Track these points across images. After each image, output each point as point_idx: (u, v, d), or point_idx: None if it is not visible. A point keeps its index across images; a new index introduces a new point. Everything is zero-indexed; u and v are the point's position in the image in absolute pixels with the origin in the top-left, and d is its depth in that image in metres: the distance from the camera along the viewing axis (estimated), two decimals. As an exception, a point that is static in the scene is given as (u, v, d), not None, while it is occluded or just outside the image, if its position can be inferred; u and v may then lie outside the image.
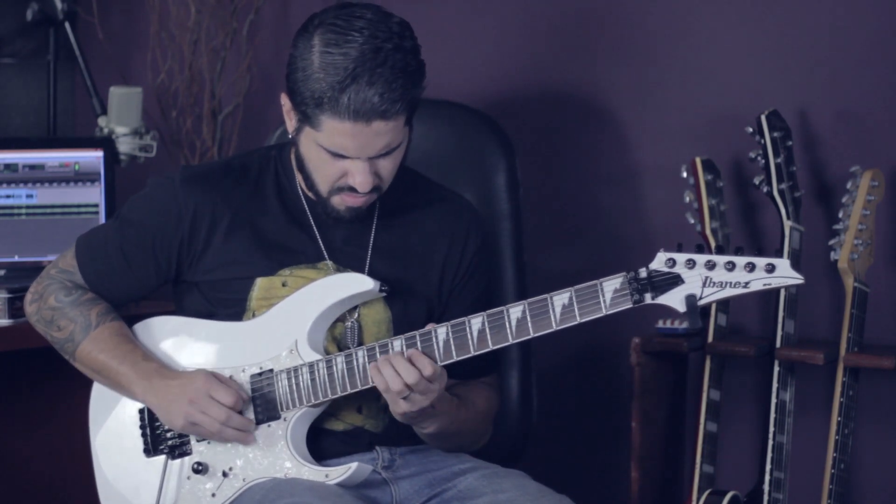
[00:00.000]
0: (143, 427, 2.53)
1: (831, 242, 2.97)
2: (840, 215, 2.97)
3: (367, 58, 2.33)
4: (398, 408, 2.38)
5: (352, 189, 2.42)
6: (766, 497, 2.99)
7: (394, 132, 2.38)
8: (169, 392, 2.46)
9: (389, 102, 2.33)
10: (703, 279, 2.27)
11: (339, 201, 2.45)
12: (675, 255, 2.29)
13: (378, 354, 2.39)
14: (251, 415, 2.46)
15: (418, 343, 2.38)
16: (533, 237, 3.10)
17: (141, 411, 2.53)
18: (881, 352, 2.97)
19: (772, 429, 3.00)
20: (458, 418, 2.48)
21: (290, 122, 2.45)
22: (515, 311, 2.35)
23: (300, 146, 2.45)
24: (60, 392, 3.36)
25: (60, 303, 2.56)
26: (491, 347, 2.36)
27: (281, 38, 3.67)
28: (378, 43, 2.34)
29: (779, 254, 2.26)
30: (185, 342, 2.53)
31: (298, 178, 2.53)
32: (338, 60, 2.33)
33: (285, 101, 2.44)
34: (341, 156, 2.39)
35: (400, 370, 2.34)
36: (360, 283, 2.45)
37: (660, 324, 3.12)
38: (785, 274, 2.25)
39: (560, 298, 2.32)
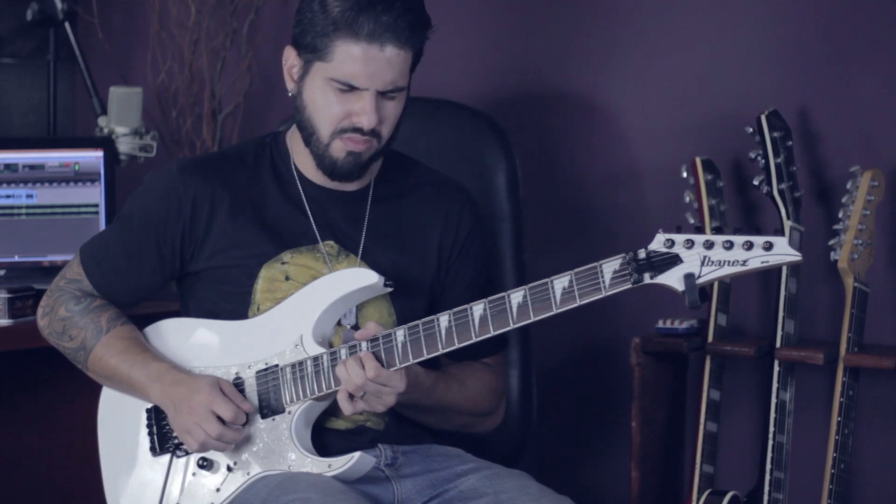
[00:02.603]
0: (149, 427, 2.53)
1: (831, 242, 2.97)
2: (840, 215, 2.98)
3: None
4: (355, 406, 2.40)
5: (355, 130, 2.43)
6: (766, 497, 2.99)
7: (401, 67, 2.42)
8: (176, 395, 2.47)
9: (404, 27, 2.39)
10: (702, 258, 2.29)
11: (340, 147, 2.46)
12: (674, 236, 2.30)
13: (381, 345, 2.40)
14: (258, 416, 2.47)
15: (421, 332, 2.39)
16: (533, 237, 3.10)
17: (148, 411, 2.54)
18: (881, 352, 2.97)
19: (772, 429, 3.00)
20: (436, 395, 2.50)
21: (292, 77, 2.48)
22: (517, 296, 2.36)
23: (304, 94, 2.47)
24: (61, 392, 3.36)
25: (70, 312, 2.57)
26: (493, 333, 2.38)
27: (281, 38, 3.67)
28: None
29: (778, 233, 2.27)
30: (194, 342, 2.54)
31: (293, 160, 2.55)
32: None
33: (289, 55, 2.48)
34: (350, 87, 2.41)
35: (350, 371, 2.38)
36: (365, 278, 2.46)
37: (660, 324, 3.12)
38: (783, 251, 2.26)
39: (560, 282, 2.34)
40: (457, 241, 2.59)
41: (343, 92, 2.43)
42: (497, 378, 2.63)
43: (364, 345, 2.41)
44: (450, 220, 2.59)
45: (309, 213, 2.54)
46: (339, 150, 2.47)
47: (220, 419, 2.43)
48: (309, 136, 2.49)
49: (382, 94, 2.43)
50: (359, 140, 2.45)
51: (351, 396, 2.41)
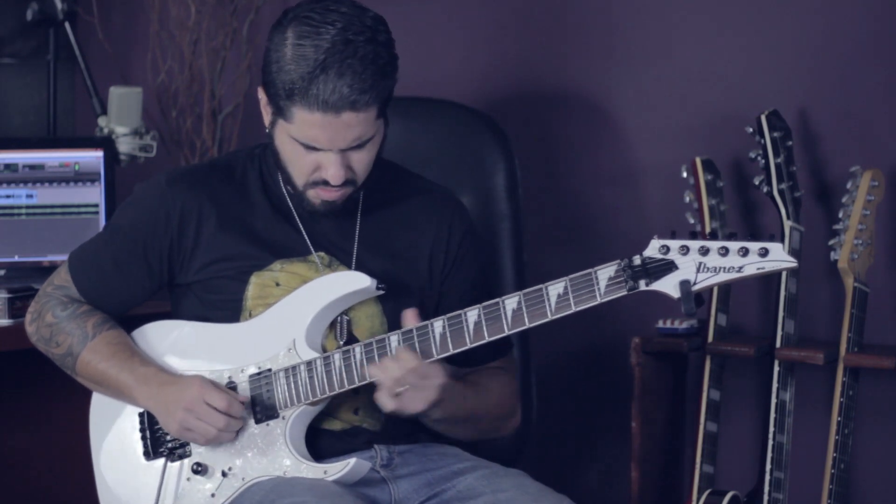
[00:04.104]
0: (142, 431, 2.53)
1: (831, 242, 2.97)
2: (840, 215, 2.97)
3: (338, 49, 2.34)
4: (390, 405, 2.39)
5: (326, 183, 2.43)
6: (766, 497, 2.99)
7: (364, 124, 2.39)
8: (166, 397, 2.46)
9: (358, 93, 2.35)
10: (697, 265, 2.28)
11: (315, 195, 2.47)
12: (669, 242, 2.29)
13: (375, 350, 2.40)
14: (251, 421, 2.46)
15: (415, 337, 2.39)
16: (533, 237, 3.10)
17: (141, 415, 2.54)
18: (881, 352, 2.97)
19: (772, 429, 3.00)
20: (467, 404, 2.50)
21: (266, 116, 2.47)
22: (511, 301, 2.35)
23: (275, 139, 2.46)
24: (60, 392, 3.35)
25: (57, 318, 2.57)
26: (487, 339, 2.37)
27: (281, 38, 3.67)
28: (349, 35, 2.35)
29: (773, 238, 2.26)
30: (184, 346, 2.53)
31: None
32: (309, 52, 2.35)
33: (262, 95, 2.46)
34: (313, 148, 2.40)
35: (387, 366, 2.37)
36: (357, 282, 2.46)
37: (660, 324, 3.12)
38: (778, 258, 2.26)
39: (555, 288, 2.33)
40: (449, 250, 2.58)
41: (308, 149, 2.42)
42: (511, 379, 2.63)
43: (358, 349, 2.41)
44: (440, 229, 2.57)
45: (301, 227, 2.53)
46: (314, 197, 2.47)
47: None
48: (286, 179, 2.49)
49: (349, 147, 2.41)
50: (331, 190, 2.45)
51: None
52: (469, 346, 2.38)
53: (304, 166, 2.44)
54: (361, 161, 2.44)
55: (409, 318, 2.42)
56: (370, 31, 2.37)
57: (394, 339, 2.40)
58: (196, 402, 2.43)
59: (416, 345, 2.39)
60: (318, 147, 2.40)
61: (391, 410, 2.41)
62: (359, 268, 2.50)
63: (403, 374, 2.36)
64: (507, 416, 2.62)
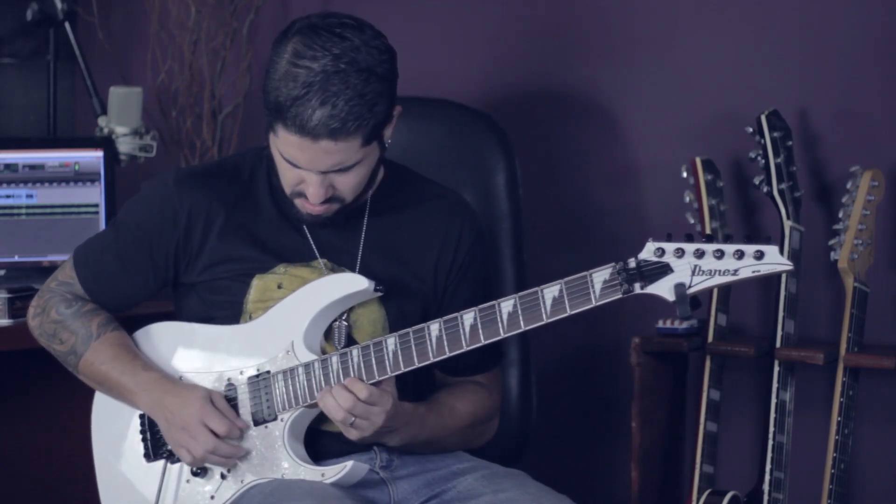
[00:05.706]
0: (143, 432, 2.53)
1: (831, 242, 2.97)
2: (840, 215, 2.98)
3: (328, 75, 2.32)
4: (349, 434, 2.40)
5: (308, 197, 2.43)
6: (766, 497, 2.99)
7: (345, 152, 2.36)
8: (167, 407, 2.46)
9: (339, 122, 2.32)
10: (692, 268, 2.27)
11: (300, 205, 2.46)
12: (664, 245, 2.28)
13: (373, 353, 2.39)
14: (250, 421, 2.46)
15: (411, 340, 2.38)
16: (533, 237, 3.10)
17: (142, 417, 2.54)
18: (881, 352, 2.97)
19: (772, 429, 3.00)
20: (428, 427, 2.48)
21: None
22: (507, 304, 2.35)
23: (270, 145, 2.45)
24: (60, 392, 3.35)
25: (62, 315, 2.56)
26: (483, 342, 2.36)
27: (281, 38, 3.66)
28: (342, 64, 2.32)
29: (769, 240, 2.25)
30: (184, 347, 2.53)
31: None
32: (300, 73, 2.32)
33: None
34: (296, 165, 2.39)
35: (337, 397, 2.36)
36: (355, 283, 2.45)
37: (660, 324, 3.12)
38: (774, 261, 2.25)
39: (550, 291, 2.33)
40: (456, 260, 2.56)
41: (292, 164, 2.40)
42: (490, 396, 2.61)
43: (355, 352, 2.41)
44: (449, 237, 2.56)
45: (307, 232, 2.52)
46: (300, 206, 2.47)
47: (213, 432, 2.43)
48: (280, 182, 2.49)
49: (330, 171, 2.39)
50: (315, 205, 2.43)
51: None
52: (465, 348, 2.37)
53: (289, 178, 2.43)
54: (346, 184, 2.42)
55: None
56: (370, 60, 2.34)
57: (391, 341, 2.39)
58: (192, 420, 2.43)
59: (413, 349, 2.39)
60: (299, 166, 2.39)
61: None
62: (363, 270, 2.50)
63: (353, 405, 2.36)
64: (479, 433, 2.60)
